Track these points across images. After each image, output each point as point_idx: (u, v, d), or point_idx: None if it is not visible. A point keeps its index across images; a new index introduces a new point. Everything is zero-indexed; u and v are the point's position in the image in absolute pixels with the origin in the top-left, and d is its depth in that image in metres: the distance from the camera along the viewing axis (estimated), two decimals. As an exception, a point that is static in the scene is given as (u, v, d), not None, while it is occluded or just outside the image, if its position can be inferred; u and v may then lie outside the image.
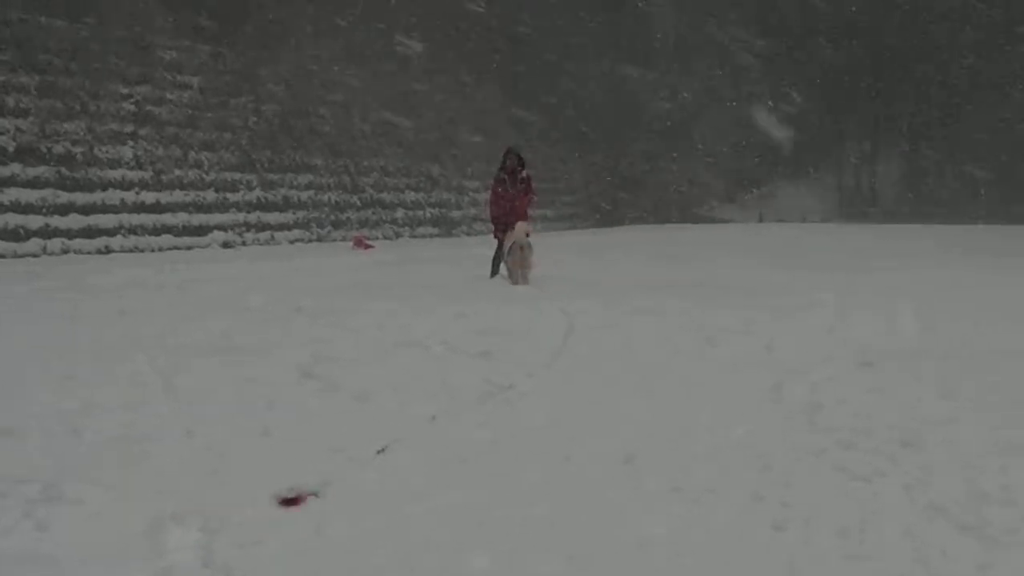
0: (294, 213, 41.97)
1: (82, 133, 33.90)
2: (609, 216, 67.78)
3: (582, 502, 6.94)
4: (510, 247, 22.19)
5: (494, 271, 23.18)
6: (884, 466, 7.70)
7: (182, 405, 9.62)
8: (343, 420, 9.15)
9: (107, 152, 34.61)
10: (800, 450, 8.20)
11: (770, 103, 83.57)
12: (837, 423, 9.06)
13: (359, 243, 38.59)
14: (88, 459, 7.75)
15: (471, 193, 54.41)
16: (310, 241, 41.77)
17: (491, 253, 23.62)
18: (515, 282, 22.01)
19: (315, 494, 7.29)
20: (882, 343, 13.56)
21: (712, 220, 76.67)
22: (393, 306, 16.74)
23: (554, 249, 33.31)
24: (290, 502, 7.21)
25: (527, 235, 22.13)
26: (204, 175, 38.20)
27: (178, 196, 36.68)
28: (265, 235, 39.84)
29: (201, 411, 9.36)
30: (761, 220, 77.91)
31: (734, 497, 7.08)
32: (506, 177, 22.95)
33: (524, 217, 22.76)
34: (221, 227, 37.85)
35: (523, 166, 23.03)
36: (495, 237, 23.23)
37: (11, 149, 31.44)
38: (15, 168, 31.23)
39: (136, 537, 6.17)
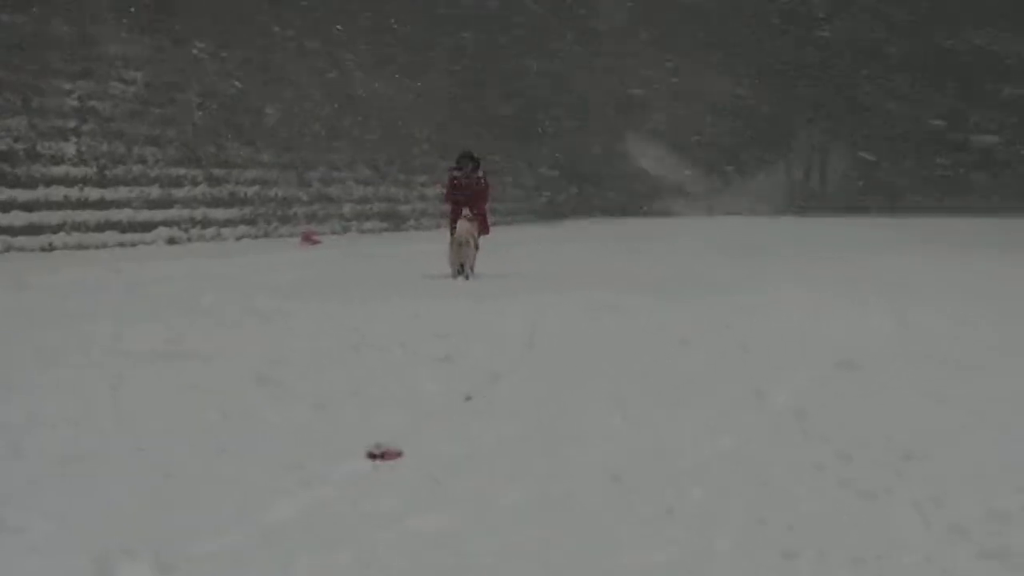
0: (240, 209, 41.28)
1: (24, 129, 33.07)
2: (557, 210, 67.13)
3: (572, 527, 6.35)
4: (452, 241, 22.03)
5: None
6: (890, 481, 7.16)
7: (130, 419, 9.01)
8: (302, 433, 8.56)
9: (50, 148, 33.77)
10: (796, 464, 7.66)
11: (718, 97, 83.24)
12: (830, 432, 8.55)
13: (307, 238, 38.01)
14: (30, 482, 7.13)
15: (420, 187, 53.79)
16: (257, 237, 41.07)
17: (443, 248, 23.18)
18: (455, 276, 22.06)
19: (400, 453, 7.86)
20: (860, 342, 13.08)
21: (661, 214, 76.16)
22: (347, 306, 16.23)
23: (505, 244, 32.71)
24: (377, 457, 7.78)
25: (472, 235, 22.00)
26: (149, 171, 37.39)
27: (123, 192, 35.84)
28: (212, 231, 39.08)
29: (150, 425, 8.77)
30: (711, 213, 77.50)
31: (734, 519, 6.51)
32: (459, 176, 22.77)
33: (483, 216, 22.59)
34: (167, 223, 37.04)
35: (478, 166, 22.89)
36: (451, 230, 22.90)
37: (-49, 145, 30.65)
38: (-45, 165, 30.45)
39: (83, 574, 5.55)
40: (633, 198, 76.76)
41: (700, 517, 6.56)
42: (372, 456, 7.78)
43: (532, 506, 6.77)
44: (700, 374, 11.25)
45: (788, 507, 6.73)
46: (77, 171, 34.43)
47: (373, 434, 8.31)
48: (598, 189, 73.49)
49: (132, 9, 40.85)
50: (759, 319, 15.08)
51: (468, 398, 9.98)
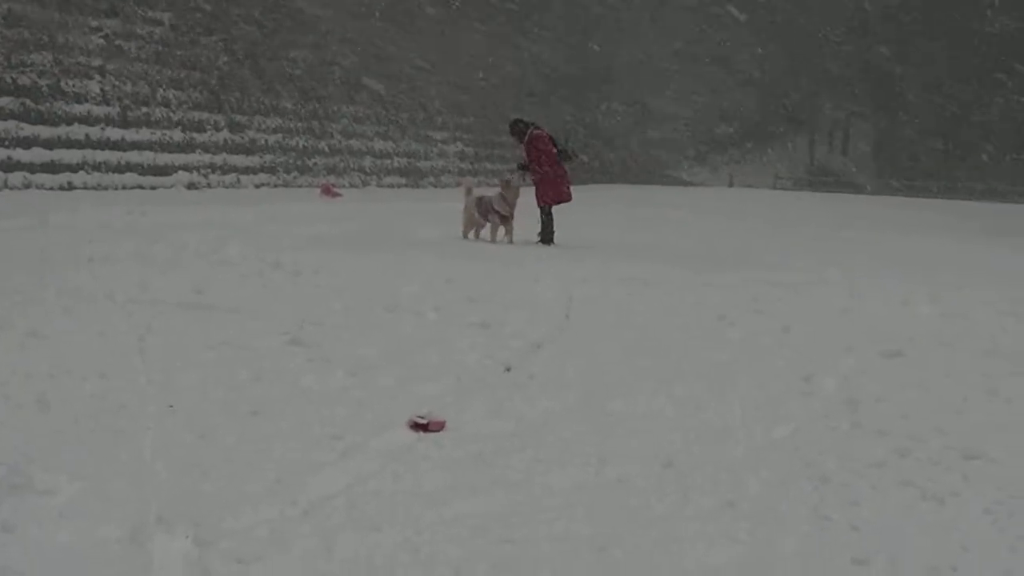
0: (261, 156, 41.02)
1: (49, 65, 32.81)
2: (578, 175, 66.72)
3: (628, 519, 6.04)
4: (497, 202, 21.71)
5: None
6: (955, 483, 6.83)
7: (160, 372, 8.70)
8: (340, 400, 8.24)
9: (73, 86, 33.58)
10: (854, 458, 7.32)
11: (744, 66, 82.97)
12: (884, 426, 8.20)
13: (327, 191, 37.62)
14: (58, 437, 6.84)
15: (439, 144, 53.50)
16: (276, 186, 40.84)
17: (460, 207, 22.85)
18: (494, 240, 21.91)
19: (444, 423, 7.58)
20: (902, 328, 12.76)
21: (682, 182, 75.86)
22: (377, 264, 15.96)
23: (529, 209, 32.44)
24: (422, 426, 7.48)
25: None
26: (171, 114, 37.19)
27: (144, 134, 35.68)
28: (231, 178, 38.89)
29: (181, 380, 8.47)
30: (731, 184, 77.18)
31: (797, 517, 6.20)
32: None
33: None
34: (187, 167, 36.89)
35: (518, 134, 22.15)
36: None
37: (-26, 79, 30.34)
38: (-22, 98, 30.14)
39: (117, 546, 5.24)
40: (655, 166, 76.52)
41: (761, 513, 6.26)
42: (416, 426, 7.49)
43: (584, 492, 6.46)
44: (743, 354, 10.93)
45: (851, 506, 6.42)
46: (100, 110, 34.22)
47: (413, 404, 8.04)
48: (619, 156, 73.11)
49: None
50: (797, 298, 14.82)
51: (508, 369, 9.69)
